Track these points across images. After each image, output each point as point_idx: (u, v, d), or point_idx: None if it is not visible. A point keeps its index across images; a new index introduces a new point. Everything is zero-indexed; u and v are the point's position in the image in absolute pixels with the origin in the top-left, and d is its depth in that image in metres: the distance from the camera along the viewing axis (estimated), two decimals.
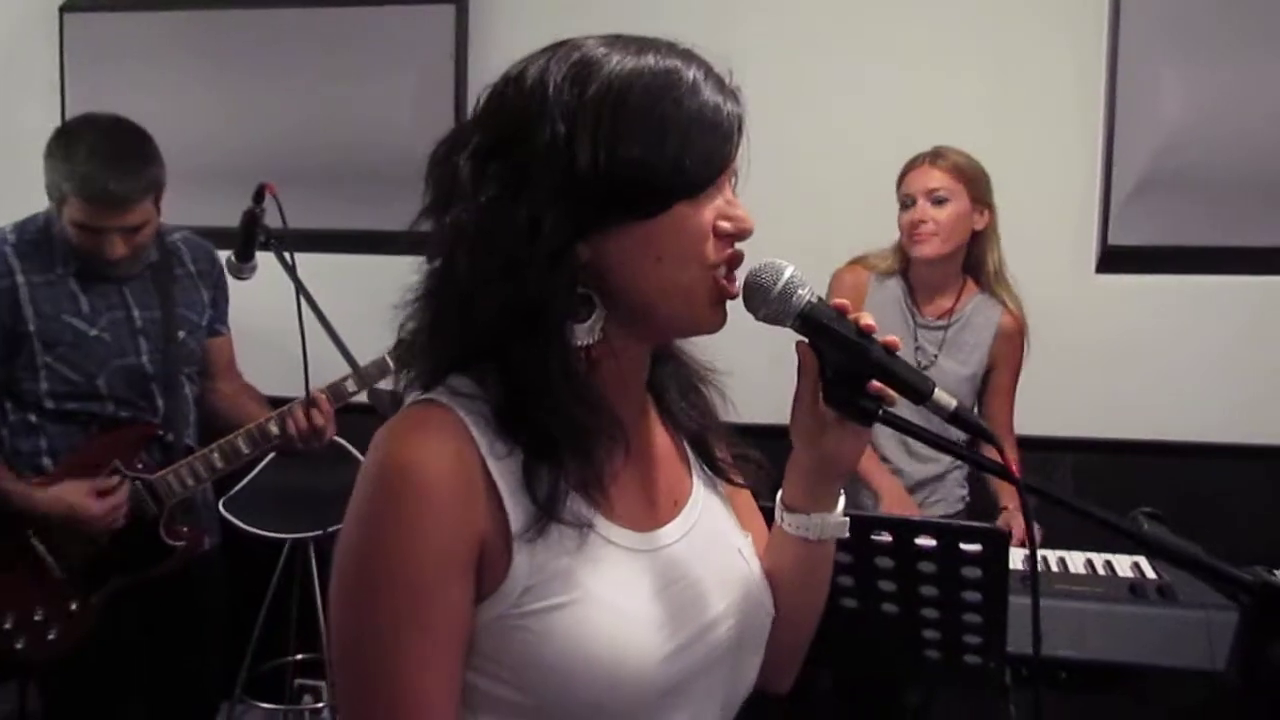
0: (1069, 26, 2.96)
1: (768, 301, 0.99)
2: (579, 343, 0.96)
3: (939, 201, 2.44)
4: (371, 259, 2.98)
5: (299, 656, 3.25)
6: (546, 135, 0.92)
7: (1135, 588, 1.93)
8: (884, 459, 2.56)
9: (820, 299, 1.00)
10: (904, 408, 1.00)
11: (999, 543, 1.39)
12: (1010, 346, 2.53)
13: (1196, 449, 2.95)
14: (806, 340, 1.01)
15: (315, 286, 2.18)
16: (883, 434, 2.53)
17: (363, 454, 0.97)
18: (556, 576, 0.94)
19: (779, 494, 1.13)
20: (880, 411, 1.01)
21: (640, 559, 1.00)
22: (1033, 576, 0.86)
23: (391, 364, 2.27)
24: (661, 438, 1.11)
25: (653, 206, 0.93)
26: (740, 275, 1.00)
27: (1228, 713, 2.10)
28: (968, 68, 3.01)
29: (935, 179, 2.45)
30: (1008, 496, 2.55)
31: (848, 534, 1.12)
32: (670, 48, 0.97)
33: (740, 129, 0.96)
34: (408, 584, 0.91)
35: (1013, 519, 2.47)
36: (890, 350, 0.99)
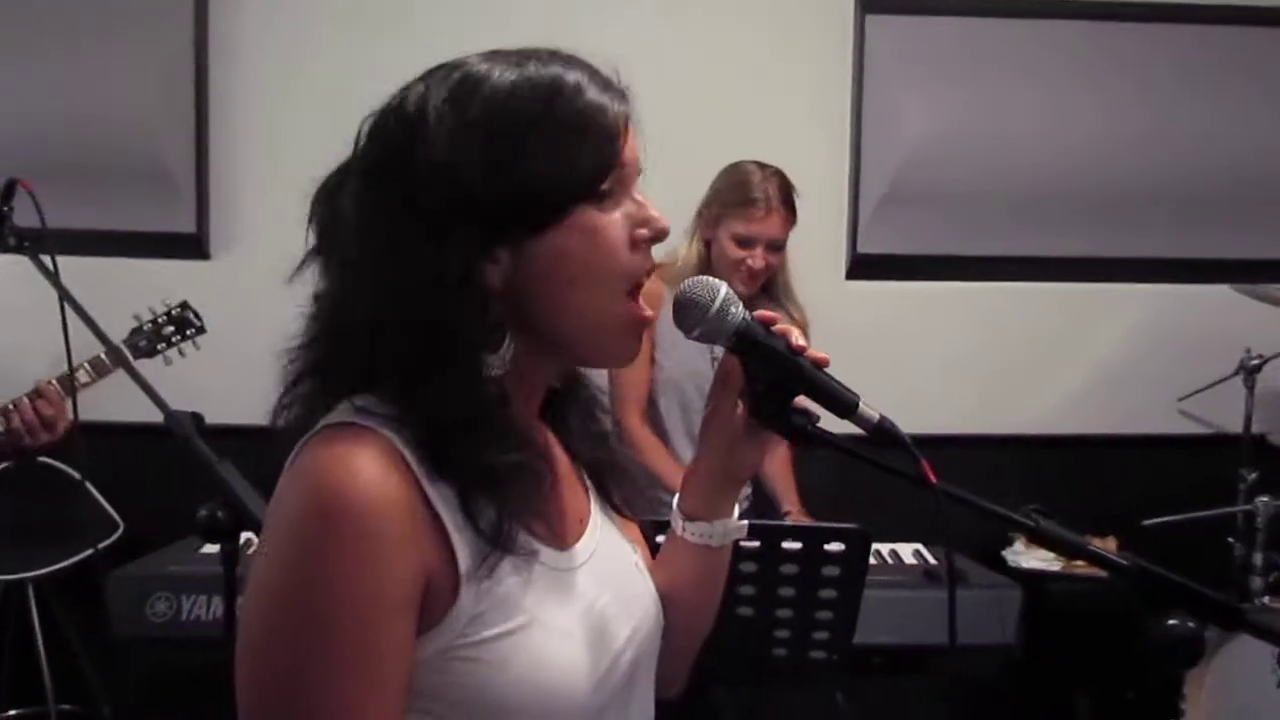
0: (817, 47, 3.16)
1: (704, 320, 0.98)
2: (493, 373, 0.91)
3: (777, 249, 2.48)
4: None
5: (12, 713, 2.88)
6: (430, 160, 0.88)
7: (930, 573, 2.10)
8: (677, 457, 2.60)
9: (751, 315, 1.00)
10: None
11: (861, 542, 1.45)
12: None
13: (941, 440, 3.23)
14: (735, 355, 1.01)
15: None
16: (675, 432, 2.58)
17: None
18: (503, 602, 0.89)
19: (675, 504, 1.13)
20: (809, 427, 1.02)
21: (565, 578, 0.97)
22: (949, 577, 0.90)
23: (129, 353, 2.21)
24: (561, 455, 1.08)
25: (550, 213, 0.90)
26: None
27: (1019, 680, 2.34)
28: (724, 83, 3.13)
29: (778, 228, 2.45)
30: (789, 501, 2.61)
31: (751, 541, 1.13)
32: (551, 55, 0.94)
33: (628, 126, 0.94)
34: (351, 623, 0.82)
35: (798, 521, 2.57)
36: (820, 365, 1.01)
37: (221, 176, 3.09)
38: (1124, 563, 1.10)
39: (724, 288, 0.99)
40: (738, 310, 0.99)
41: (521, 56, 0.93)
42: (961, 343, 3.27)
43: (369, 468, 0.84)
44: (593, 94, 0.92)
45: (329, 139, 0.98)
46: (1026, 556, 2.90)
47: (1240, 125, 3.22)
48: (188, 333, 2.39)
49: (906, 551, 2.33)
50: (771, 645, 1.60)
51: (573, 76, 0.92)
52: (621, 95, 0.95)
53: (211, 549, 1.56)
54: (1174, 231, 3.26)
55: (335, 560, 0.82)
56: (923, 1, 3.10)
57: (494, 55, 0.93)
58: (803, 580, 1.49)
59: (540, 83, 0.91)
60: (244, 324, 2.08)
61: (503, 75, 0.90)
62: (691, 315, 0.98)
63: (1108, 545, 3.12)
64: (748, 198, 2.44)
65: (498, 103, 0.89)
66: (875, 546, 2.40)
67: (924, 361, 3.25)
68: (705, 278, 1.00)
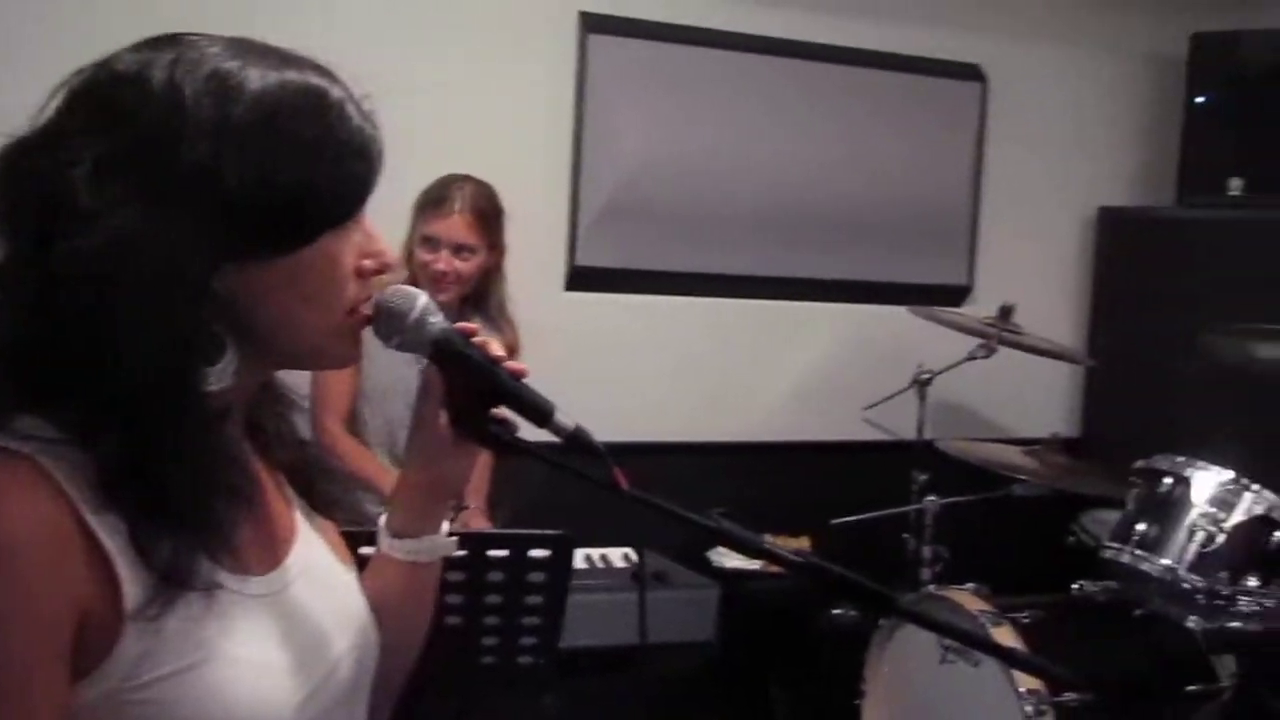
0: (542, 62, 3.22)
1: (403, 330, 0.98)
2: (210, 388, 0.87)
3: (465, 254, 2.47)
4: None
5: None
6: (191, 156, 0.82)
7: (636, 576, 2.18)
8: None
9: (451, 325, 1.02)
10: None
11: (565, 547, 1.49)
12: None
13: (656, 447, 3.37)
14: (435, 365, 1.02)
15: None
16: (377, 444, 2.55)
17: None
18: (178, 637, 0.84)
19: (382, 521, 1.12)
20: (506, 436, 1.05)
21: (265, 604, 0.93)
22: (640, 579, 0.95)
23: None
24: (262, 470, 1.05)
25: (302, 237, 0.88)
26: None
27: (720, 674, 2.47)
28: (447, 98, 3.12)
29: (462, 231, 2.44)
30: (475, 499, 2.60)
31: (458, 550, 1.15)
32: (305, 63, 0.91)
33: (383, 155, 0.94)
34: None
35: (472, 518, 2.57)
36: (517, 376, 1.04)
37: None
38: (796, 559, 1.20)
39: (423, 297, 0.99)
40: (437, 320, 1.00)
41: (279, 58, 0.89)
42: (674, 354, 3.43)
43: (6, 501, 0.78)
44: (355, 117, 0.90)
45: None
46: (729, 557, 3.06)
47: (917, 162, 3.58)
48: None
49: (616, 555, 2.41)
50: (480, 653, 1.62)
51: (336, 93, 0.90)
52: (373, 121, 0.93)
53: None
54: (861, 257, 3.58)
55: None
56: (642, 27, 3.23)
57: (239, 48, 0.88)
58: (509, 587, 1.51)
59: (310, 96, 0.88)
60: None
61: (266, 79, 0.86)
62: (389, 324, 0.98)
63: (802, 544, 3.37)
64: (435, 199, 2.47)
65: (266, 110, 0.85)
66: (587, 551, 2.49)
67: (639, 372, 3.38)
68: (404, 286, 1.00)
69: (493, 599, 1.54)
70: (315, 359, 0.96)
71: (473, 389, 1.02)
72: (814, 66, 3.43)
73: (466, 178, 2.54)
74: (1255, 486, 2.37)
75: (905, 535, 3.11)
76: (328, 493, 1.12)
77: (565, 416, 1.05)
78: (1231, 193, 3.59)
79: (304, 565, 1.01)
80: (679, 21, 3.29)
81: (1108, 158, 3.90)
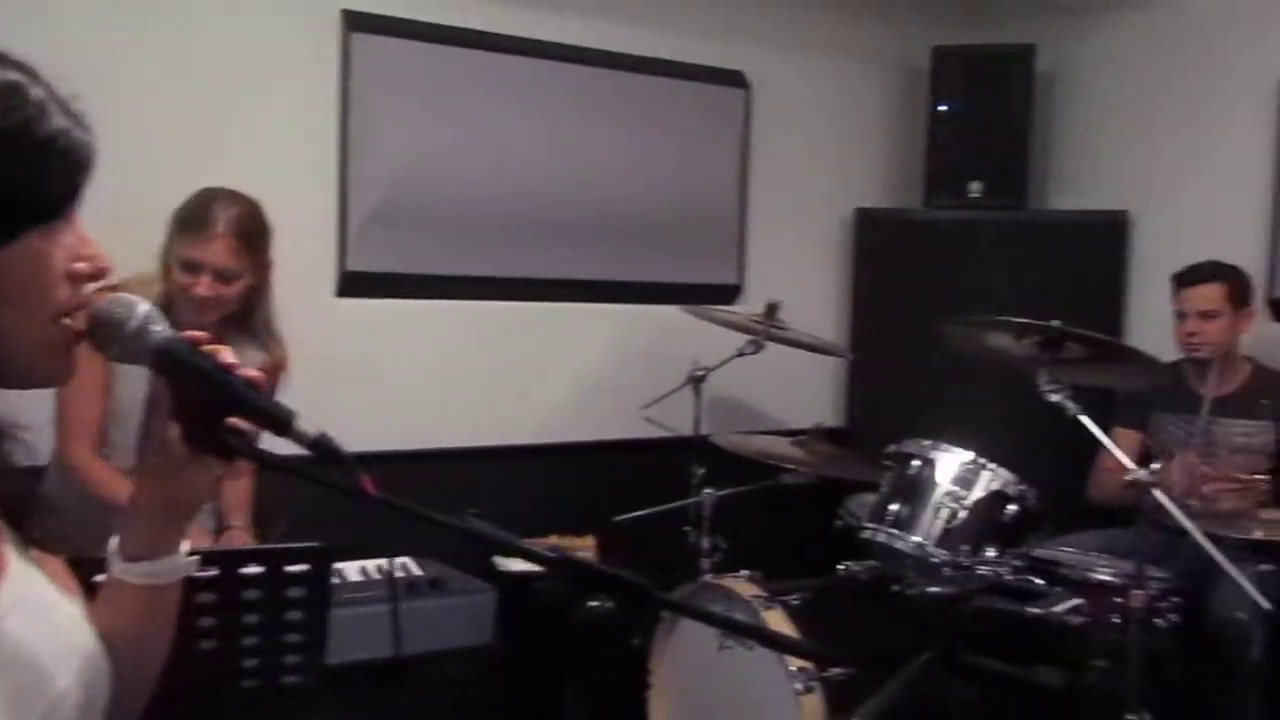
0: (303, 63, 3.11)
1: (121, 339, 0.94)
2: None
3: (227, 279, 2.33)
4: None
5: None
6: None
7: (412, 585, 2.15)
8: None
9: (176, 334, 0.98)
10: None
11: (323, 560, 1.45)
12: (267, 384, 2.53)
13: (441, 454, 3.33)
14: (163, 376, 0.98)
15: None
16: (124, 460, 2.40)
17: None
18: None
19: (112, 544, 1.06)
20: (244, 446, 1.01)
21: None
22: (391, 589, 0.94)
23: None
24: None
25: (4, 234, 0.84)
26: None
27: (500, 677, 2.45)
28: (200, 99, 2.98)
29: (224, 256, 2.29)
30: (236, 518, 2.50)
31: (198, 570, 1.10)
32: (8, 61, 0.87)
33: (94, 157, 0.90)
34: None
35: (235, 538, 2.47)
36: (252, 384, 1.00)
37: None
38: (549, 556, 1.21)
39: (143, 305, 0.95)
40: (159, 329, 0.95)
41: None
42: (451, 359, 3.40)
43: None
44: (57, 115, 0.87)
45: None
46: (513, 560, 3.07)
47: (685, 165, 3.69)
48: None
49: (393, 566, 2.37)
50: (240, 676, 1.55)
51: (37, 92, 0.86)
52: (82, 123, 0.90)
53: None
54: (634, 258, 3.65)
55: None
56: (409, 26, 3.18)
57: None
58: (267, 605, 1.46)
59: (7, 90, 0.84)
60: None
61: None
62: (106, 333, 0.93)
63: (587, 544, 3.41)
64: (194, 221, 2.31)
65: None
66: (362, 563, 2.43)
67: (416, 378, 3.33)
68: (124, 295, 0.96)
69: (250, 618, 1.48)
70: (24, 374, 0.90)
71: (204, 399, 0.98)
72: (583, 70, 3.48)
73: (230, 195, 2.37)
74: (992, 465, 2.57)
75: (686, 528, 3.20)
76: (50, 523, 1.05)
77: (307, 424, 1.02)
78: (972, 195, 3.88)
79: (15, 601, 0.95)
80: (447, 22, 3.26)
81: (863, 161, 4.15)
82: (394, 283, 3.24)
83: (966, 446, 2.66)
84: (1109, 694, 2.14)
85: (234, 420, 1.00)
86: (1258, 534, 2.42)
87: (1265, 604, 2.16)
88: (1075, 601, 1.98)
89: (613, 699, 3.01)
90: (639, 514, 3.14)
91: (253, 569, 1.42)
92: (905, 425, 2.91)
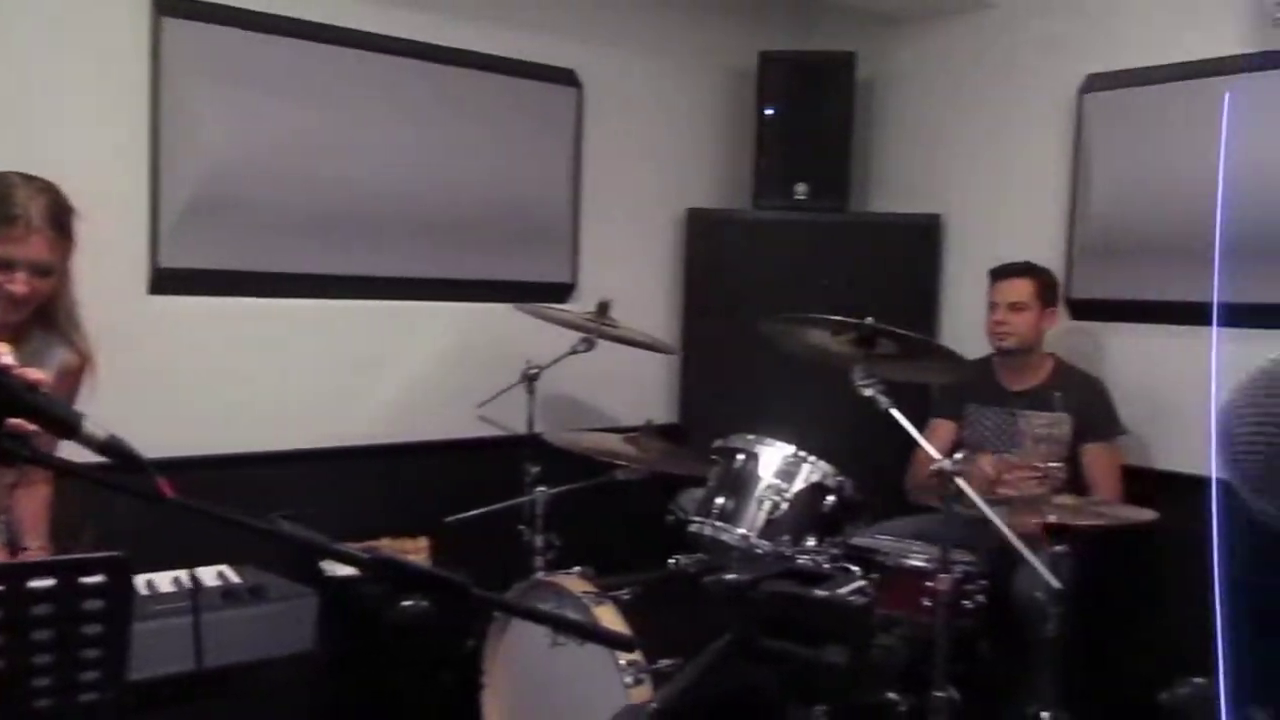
0: (110, 47, 2.95)
1: None
2: None
3: (44, 274, 2.16)
4: None
5: None
6: None
7: (229, 593, 2.07)
8: None
9: None
10: None
11: (121, 570, 1.38)
12: (72, 381, 2.40)
13: (268, 457, 3.22)
14: None
15: None
16: None
17: None
18: None
19: None
20: (25, 450, 0.96)
21: None
22: (193, 599, 0.90)
23: None
24: None
25: None
26: None
27: (320, 685, 2.38)
28: (13, 78, 2.80)
29: (42, 250, 2.14)
30: (33, 538, 2.36)
31: None
32: None
33: None
34: None
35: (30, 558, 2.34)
36: (34, 385, 0.95)
37: None
38: (363, 556, 1.20)
39: None
40: None
41: None
42: (276, 360, 3.29)
43: None
44: None
45: None
46: (341, 564, 3.00)
47: (518, 163, 3.68)
48: None
49: (209, 574, 2.27)
50: (32, 696, 1.45)
51: None
52: None
53: None
54: (467, 256, 3.62)
55: None
56: (222, 12, 3.04)
57: None
58: (61, 620, 1.37)
59: None
60: None
61: None
62: None
63: (420, 545, 3.36)
64: (5, 215, 2.13)
65: None
66: (175, 572, 2.32)
67: (236, 379, 3.21)
68: None
69: (42, 635, 1.38)
70: None
71: None
72: (413, 65, 3.42)
73: (28, 181, 2.19)
74: (812, 458, 2.67)
75: (521, 526, 3.20)
76: None
77: (96, 426, 0.98)
78: (798, 197, 4.01)
79: None
80: (270, 10, 3.14)
81: (695, 162, 4.22)
82: (211, 280, 3.11)
83: (791, 440, 2.75)
84: (894, 667, 2.25)
85: (15, 423, 0.95)
86: (1051, 518, 2.59)
87: (1055, 583, 2.32)
88: (859, 583, 2.09)
89: (447, 700, 2.98)
90: (472, 514, 3.12)
91: (43, 582, 1.34)
92: (735, 421, 2.98)
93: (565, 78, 3.79)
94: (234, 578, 2.24)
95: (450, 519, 3.11)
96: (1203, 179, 3.20)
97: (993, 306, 3.41)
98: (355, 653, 2.73)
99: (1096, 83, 3.56)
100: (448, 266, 3.58)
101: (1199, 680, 2.37)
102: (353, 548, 1.23)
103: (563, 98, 3.77)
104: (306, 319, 3.34)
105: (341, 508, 3.31)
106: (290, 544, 1.14)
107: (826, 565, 2.50)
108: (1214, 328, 3.20)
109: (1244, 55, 3.20)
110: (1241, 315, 3.14)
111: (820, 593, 2.02)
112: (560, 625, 1.61)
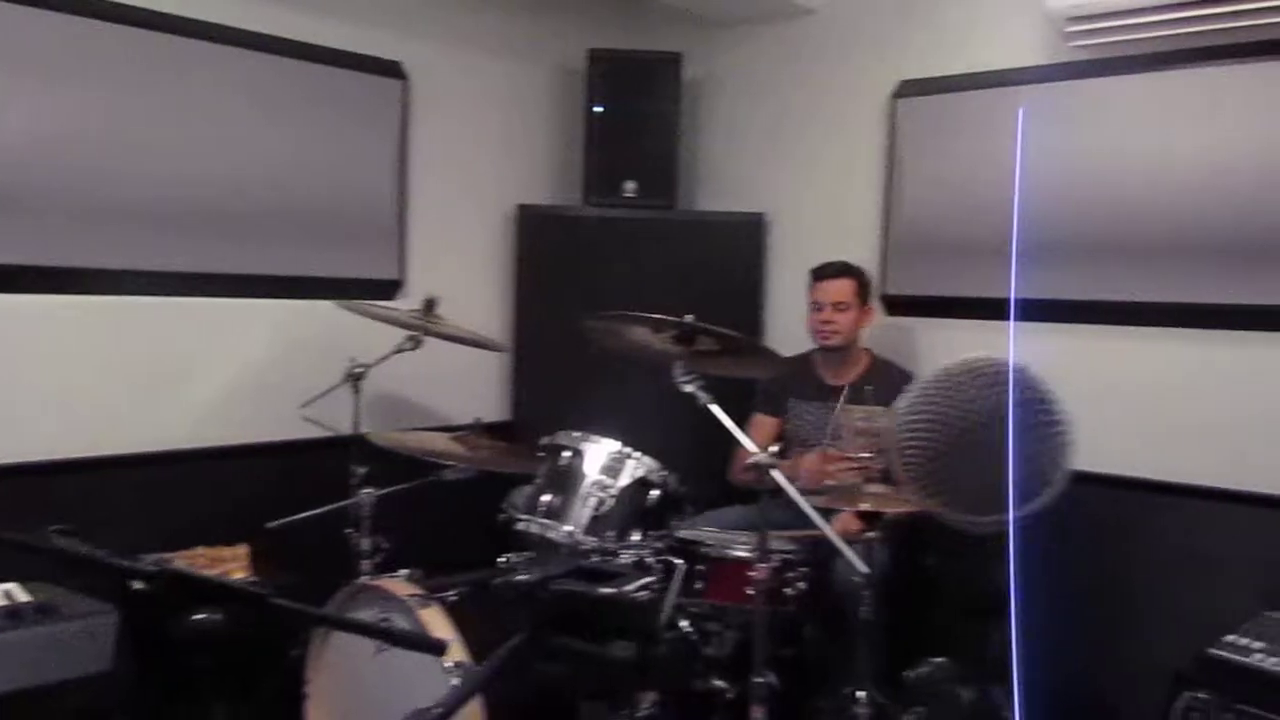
0: None
1: None
2: None
3: None
4: None
5: None
6: None
7: (14, 613, 1.94)
8: None
9: None
10: None
11: None
12: None
13: (75, 465, 3.04)
14: None
15: None
16: None
17: None
18: None
19: None
20: None
21: None
22: None
23: None
24: None
25: None
26: None
27: (124, 705, 2.27)
28: None
29: None
30: None
31: None
32: None
33: None
34: None
35: None
36: None
37: None
38: (147, 569, 1.15)
39: None
40: None
41: None
42: (78, 361, 3.11)
43: None
44: None
45: None
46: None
47: (342, 156, 3.59)
48: None
49: None
50: None
51: None
52: None
53: None
54: (289, 251, 3.50)
55: None
56: None
57: None
58: None
59: None
60: None
61: None
62: None
63: (238, 554, 3.24)
64: None
65: None
66: None
67: (40, 384, 3.02)
68: None
69: None
70: None
71: None
72: (229, 51, 3.29)
73: None
74: (636, 454, 2.71)
75: (348, 530, 3.12)
76: None
77: None
78: (627, 194, 4.05)
79: None
80: None
81: (526, 158, 4.21)
82: (14, 277, 2.91)
83: (618, 437, 2.78)
84: (685, 660, 2.31)
85: None
86: (865, 506, 2.70)
87: (864, 568, 2.42)
88: (646, 579, 2.13)
89: (267, 713, 2.89)
90: (294, 518, 3.03)
91: None
92: (567, 418, 2.99)
93: (390, 69, 3.71)
94: (22, 596, 2.10)
95: (271, 524, 3.01)
96: (1002, 183, 3.42)
97: (817, 306, 3.52)
98: (169, 670, 2.61)
99: (907, 89, 3.73)
100: (268, 263, 3.46)
101: (939, 660, 2.53)
102: (142, 560, 1.17)
103: (388, 90, 3.70)
104: (111, 318, 3.16)
105: (150, 517, 3.17)
106: (59, 559, 1.08)
107: (649, 559, 2.53)
108: (1011, 322, 3.42)
109: (1038, 67, 3.41)
110: (1036, 310, 3.37)
111: (606, 590, 2.05)
112: (366, 631, 1.58)
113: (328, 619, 1.22)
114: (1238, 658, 2.55)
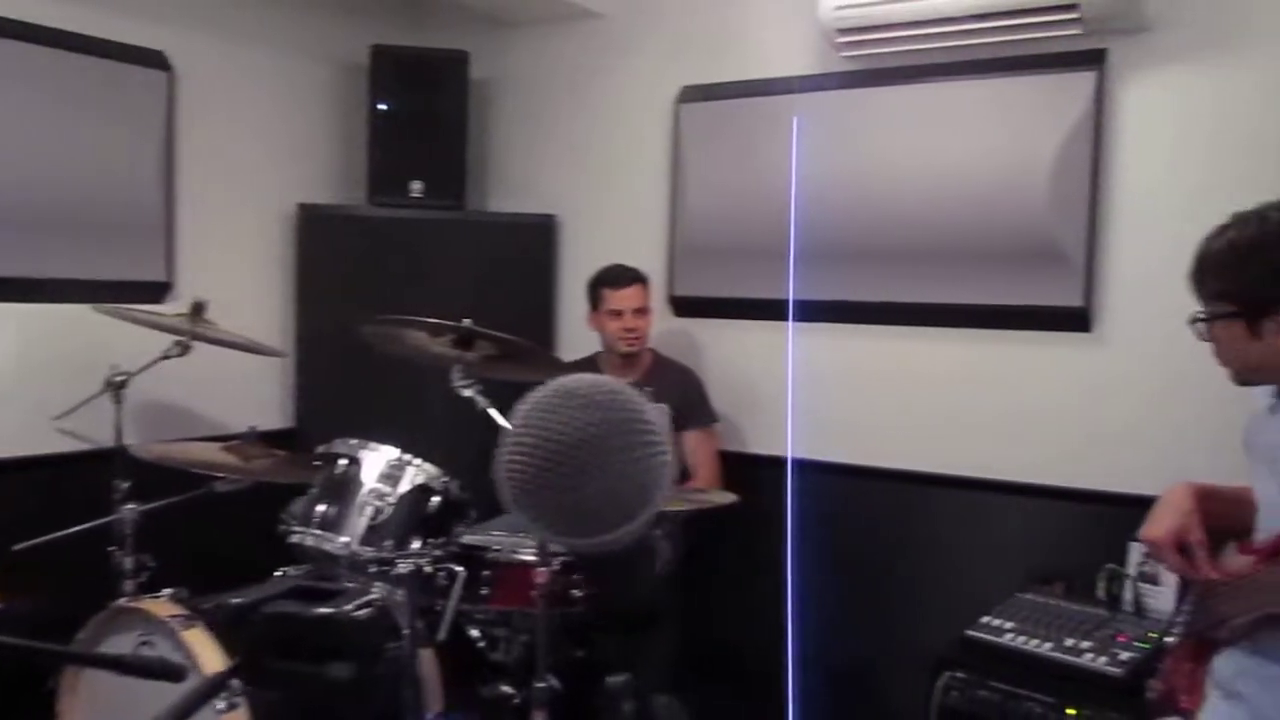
0: None
1: None
2: None
3: None
4: None
5: None
6: None
7: None
8: None
9: None
10: None
11: None
12: None
13: None
14: None
15: None
16: None
17: None
18: None
19: None
20: None
21: None
22: None
23: None
24: None
25: None
26: None
27: None
28: None
29: None
30: None
31: None
32: None
33: None
34: None
35: None
36: None
37: None
38: None
39: None
40: None
41: None
42: None
43: None
44: None
45: None
46: None
47: (101, 151, 3.36)
48: None
49: None
50: None
51: None
52: None
53: None
54: (42, 250, 3.25)
55: None
56: None
57: None
58: None
59: None
60: None
61: None
62: None
63: None
64: None
65: None
66: None
67: None
68: None
69: None
70: None
71: None
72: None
73: None
74: (416, 460, 2.65)
75: (112, 548, 2.93)
76: None
77: None
78: (414, 194, 3.96)
79: None
80: None
81: (306, 157, 4.06)
82: None
83: (402, 444, 2.71)
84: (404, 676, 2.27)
85: None
86: None
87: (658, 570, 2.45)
88: (369, 597, 2.10)
89: None
90: (42, 539, 2.81)
91: None
92: (351, 425, 2.88)
93: (154, 60, 3.50)
94: None
95: (19, 546, 2.78)
96: (780, 188, 3.54)
97: (618, 314, 3.52)
98: None
99: (689, 94, 3.81)
100: (15, 264, 3.19)
101: (620, 677, 2.62)
102: None
103: (150, 81, 3.48)
104: None
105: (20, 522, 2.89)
106: None
107: (429, 568, 2.49)
108: (789, 322, 3.55)
109: (811, 75, 3.54)
110: (811, 311, 3.51)
111: (323, 610, 1.99)
112: (87, 661, 1.48)
113: (47, 651, 1.13)
114: (991, 638, 2.74)
